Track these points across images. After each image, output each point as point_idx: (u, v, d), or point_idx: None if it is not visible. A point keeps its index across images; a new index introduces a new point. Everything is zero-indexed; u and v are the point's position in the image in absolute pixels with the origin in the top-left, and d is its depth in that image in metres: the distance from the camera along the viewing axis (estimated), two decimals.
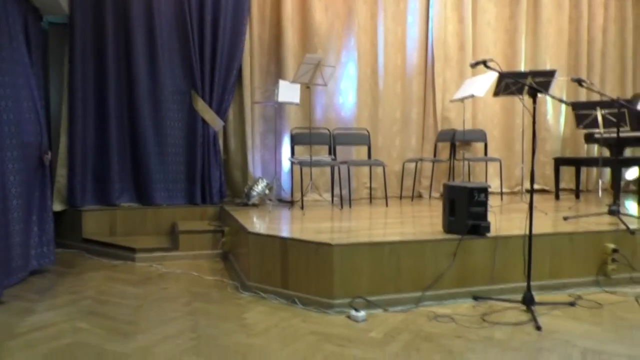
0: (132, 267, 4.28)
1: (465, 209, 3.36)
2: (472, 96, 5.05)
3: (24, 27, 3.99)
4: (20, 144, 3.75)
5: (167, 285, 3.71)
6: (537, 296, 3.16)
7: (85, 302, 3.31)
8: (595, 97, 6.24)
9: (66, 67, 5.10)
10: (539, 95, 3.24)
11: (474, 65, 3.27)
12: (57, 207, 4.97)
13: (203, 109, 5.37)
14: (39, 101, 4.02)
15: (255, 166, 5.70)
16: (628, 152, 6.54)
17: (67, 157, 5.09)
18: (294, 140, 5.52)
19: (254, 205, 5.20)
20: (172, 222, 5.16)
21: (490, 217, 3.45)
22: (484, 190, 3.38)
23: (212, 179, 5.41)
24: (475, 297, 3.28)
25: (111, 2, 5.13)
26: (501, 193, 6.06)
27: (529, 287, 3.07)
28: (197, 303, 3.28)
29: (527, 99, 4.83)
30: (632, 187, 6.76)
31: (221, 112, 5.48)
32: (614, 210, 3.92)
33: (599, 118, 4.67)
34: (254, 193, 5.21)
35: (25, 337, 2.70)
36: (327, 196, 5.69)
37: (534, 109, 3.12)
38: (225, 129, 5.66)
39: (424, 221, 4.13)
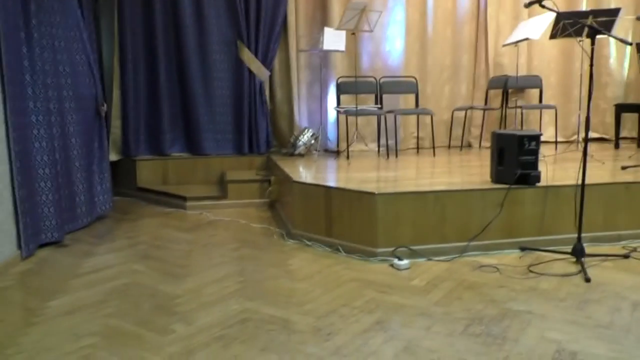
0: (183, 215, 4.45)
1: (514, 158, 3.25)
2: (527, 39, 4.78)
3: None
4: (77, 96, 3.90)
5: (216, 232, 3.85)
6: (589, 248, 3.07)
7: (140, 246, 3.49)
8: None
9: (116, 20, 5.18)
10: (601, 36, 3.02)
11: (528, 5, 3.07)
12: (113, 157, 5.18)
13: (249, 59, 5.37)
14: (91, 54, 4.13)
15: (301, 116, 5.70)
16: None
17: (121, 108, 5.25)
18: (340, 89, 5.45)
19: (300, 155, 5.23)
20: (221, 172, 5.29)
21: (542, 167, 3.33)
22: (536, 138, 3.25)
23: (259, 129, 5.47)
24: (523, 248, 3.22)
25: None
26: (556, 142, 5.81)
27: (579, 238, 2.97)
28: (244, 249, 3.39)
29: (586, 41, 4.54)
30: None
31: (267, 62, 5.46)
32: None
33: None
34: (300, 143, 5.23)
35: (87, 277, 2.90)
36: (374, 146, 5.64)
37: (592, 50, 2.92)
38: (271, 78, 5.64)
39: (472, 171, 4.04)
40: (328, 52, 5.19)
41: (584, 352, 1.99)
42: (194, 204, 4.64)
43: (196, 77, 5.33)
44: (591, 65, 2.93)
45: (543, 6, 2.99)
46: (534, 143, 3.25)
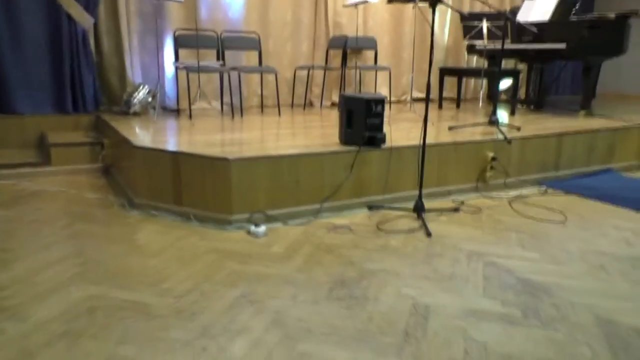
0: None
1: (362, 121, 3.35)
2: (366, 2, 4.92)
3: None
4: None
5: (41, 206, 3.34)
6: (426, 203, 3.33)
7: None
8: (476, 9, 6.42)
9: None
10: (424, 4, 3.19)
11: None
12: None
13: (68, 2, 4.65)
14: None
15: (134, 71, 5.18)
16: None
17: None
18: (178, 43, 5.04)
19: (135, 114, 4.78)
20: (40, 134, 4.59)
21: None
22: (381, 102, 3.37)
23: (84, 84, 4.84)
24: (370, 207, 3.38)
25: None
26: (390, 102, 6.19)
27: (420, 196, 3.21)
28: (79, 224, 3.01)
29: (421, 8, 4.82)
30: (504, 97, 7.28)
31: (90, 7, 4.80)
32: (494, 120, 4.17)
33: (484, 30, 4.82)
34: (135, 100, 4.77)
35: None
36: (216, 104, 5.40)
37: (433, 20, 3.08)
38: (96, 27, 4.99)
39: (317, 132, 4.09)
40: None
41: (435, 304, 2.16)
42: (7, 173, 3.96)
43: None
44: (432, 33, 3.09)
45: None
46: (380, 106, 3.38)
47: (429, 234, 2.96)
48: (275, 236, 2.89)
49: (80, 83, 4.82)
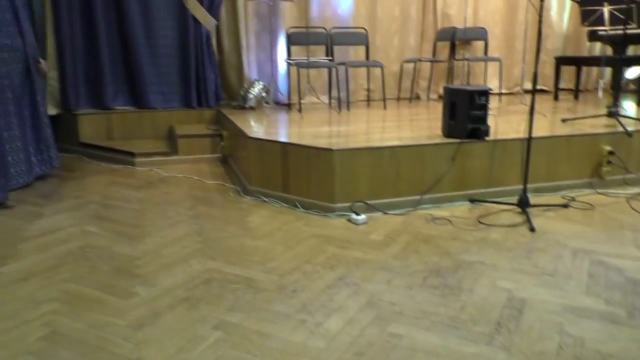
0: (132, 172, 4.32)
1: (465, 113, 3.34)
2: None
3: None
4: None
5: (169, 190, 3.77)
6: (532, 198, 3.24)
7: (90, 206, 3.38)
8: None
9: None
10: None
11: None
12: (52, 111, 4.89)
13: (194, 6, 5.11)
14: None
15: (250, 67, 5.55)
16: (630, 51, 6.39)
17: (57, 58, 4.92)
18: (290, 40, 5.32)
19: (251, 108, 5.14)
20: (169, 126, 5.12)
21: (490, 120, 3.45)
22: (485, 94, 3.34)
23: (207, 81, 5.29)
24: (472, 200, 3.36)
25: None
26: (500, 94, 5.99)
27: (524, 190, 3.14)
28: (201, 207, 3.36)
29: None
30: (632, 87, 6.69)
31: (213, 10, 5.23)
32: (613, 112, 3.90)
33: (606, 14, 4.51)
34: (251, 95, 5.13)
35: (37, 240, 2.79)
36: (325, 99, 5.61)
37: (541, 6, 2.99)
38: (218, 28, 5.43)
39: (422, 124, 4.12)
40: (277, 0, 5.02)
41: (532, 298, 2.14)
42: (142, 160, 4.50)
43: (137, 25, 5.04)
44: (540, 22, 3.00)
45: None
46: (483, 98, 3.34)
47: (532, 229, 2.89)
48: (375, 225, 3.01)
49: (204, 80, 5.28)
